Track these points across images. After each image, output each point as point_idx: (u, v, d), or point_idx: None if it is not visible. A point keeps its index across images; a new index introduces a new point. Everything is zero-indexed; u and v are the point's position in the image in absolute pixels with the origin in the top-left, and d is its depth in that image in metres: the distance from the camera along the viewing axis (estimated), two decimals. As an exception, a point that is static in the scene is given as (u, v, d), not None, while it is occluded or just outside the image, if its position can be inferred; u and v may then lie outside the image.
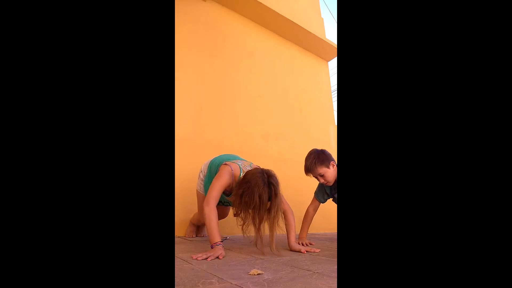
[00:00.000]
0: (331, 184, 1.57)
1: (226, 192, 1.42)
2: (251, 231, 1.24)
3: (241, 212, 1.21)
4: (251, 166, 1.42)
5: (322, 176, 1.53)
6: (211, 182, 1.36)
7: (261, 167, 1.29)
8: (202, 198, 1.61)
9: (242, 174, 1.31)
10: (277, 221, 1.21)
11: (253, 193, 1.15)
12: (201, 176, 1.63)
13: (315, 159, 1.52)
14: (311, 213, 1.71)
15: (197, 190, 1.68)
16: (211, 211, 1.19)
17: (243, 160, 1.50)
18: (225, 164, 1.37)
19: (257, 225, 1.21)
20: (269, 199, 1.19)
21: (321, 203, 1.71)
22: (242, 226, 1.22)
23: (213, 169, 1.49)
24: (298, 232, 1.71)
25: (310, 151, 1.60)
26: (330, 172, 1.53)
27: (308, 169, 1.54)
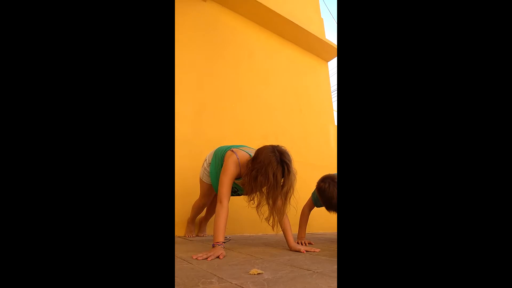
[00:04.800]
0: None
1: (236, 177, 1.40)
2: (264, 212, 1.25)
3: (254, 192, 1.23)
4: None
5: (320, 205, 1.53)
6: (216, 169, 1.39)
7: (273, 145, 1.27)
8: (204, 186, 1.63)
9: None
10: (290, 196, 1.22)
11: (267, 172, 1.16)
12: (205, 165, 1.62)
13: (333, 191, 1.42)
14: (307, 213, 1.71)
15: (200, 178, 1.68)
16: (222, 210, 1.20)
17: (251, 148, 1.48)
18: (231, 151, 1.36)
19: (271, 204, 1.22)
20: (283, 176, 1.19)
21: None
22: (257, 208, 1.23)
23: (219, 155, 1.48)
24: (296, 232, 1.72)
25: (321, 187, 1.46)
26: None
27: (333, 206, 1.46)
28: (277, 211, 1.22)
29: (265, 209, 1.26)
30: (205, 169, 1.62)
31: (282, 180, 1.21)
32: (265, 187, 1.20)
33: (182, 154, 1.91)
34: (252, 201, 1.26)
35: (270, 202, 1.21)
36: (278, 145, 1.26)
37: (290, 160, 1.22)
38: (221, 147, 1.56)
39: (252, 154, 1.33)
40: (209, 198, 1.66)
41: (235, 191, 1.57)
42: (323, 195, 1.49)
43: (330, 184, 1.47)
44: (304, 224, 1.69)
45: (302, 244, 1.50)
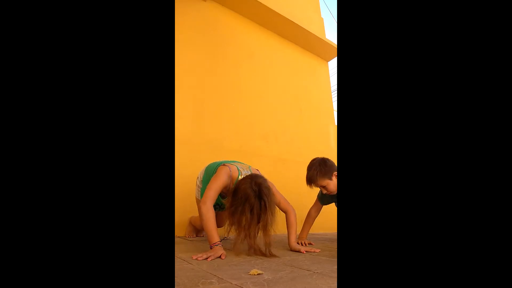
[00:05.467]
0: (333, 193, 1.55)
1: (223, 194, 1.41)
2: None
3: (233, 222, 1.20)
4: (250, 170, 1.41)
5: (324, 187, 1.51)
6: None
7: (252, 175, 1.25)
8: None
9: (240, 177, 1.30)
10: (270, 227, 1.18)
11: (244, 209, 1.14)
12: (198, 182, 1.61)
13: (316, 171, 1.48)
14: (313, 215, 1.70)
15: (196, 198, 1.66)
16: (208, 211, 1.18)
17: (242, 163, 1.48)
18: (224, 165, 1.36)
19: (251, 236, 1.18)
20: (260, 210, 1.16)
21: (322, 205, 1.71)
22: (237, 241, 1.20)
23: (210, 171, 1.47)
24: (298, 232, 1.72)
25: (312, 161, 1.55)
26: (333, 184, 1.49)
27: (310, 181, 1.52)
28: (253, 244, 1.18)
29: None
30: (198, 186, 1.60)
31: (259, 214, 1.17)
32: (244, 223, 1.18)
33: (182, 153, 1.91)
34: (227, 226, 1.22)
35: (250, 234, 1.17)
36: (257, 177, 1.21)
37: (267, 195, 1.17)
38: (212, 163, 1.55)
39: (242, 172, 1.33)
40: None
41: (220, 207, 1.54)
42: (308, 168, 1.55)
43: (316, 163, 1.53)
44: (307, 225, 1.69)
45: (302, 245, 1.50)
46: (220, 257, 1.04)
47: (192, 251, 1.19)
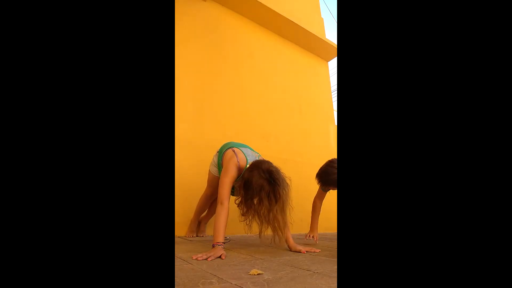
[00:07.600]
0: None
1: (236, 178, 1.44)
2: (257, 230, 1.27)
3: (247, 211, 1.26)
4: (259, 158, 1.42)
5: (328, 189, 1.62)
6: (219, 163, 1.47)
7: (256, 163, 1.28)
8: (212, 177, 1.68)
9: (248, 165, 1.33)
10: (287, 208, 1.23)
11: (262, 198, 1.20)
12: (215, 158, 1.68)
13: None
14: (318, 204, 1.72)
15: (209, 171, 1.72)
16: (223, 211, 1.23)
17: (253, 151, 1.49)
18: (233, 151, 1.38)
19: (272, 222, 1.23)
20: (275, 195, 1.21)
21: (325, 192, 1.73)
22: (260, 234, 1.26)
23: (222, 151, 1.54)
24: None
25: (321, 170, 1.58)
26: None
27: (328, 182, 1.55)
28: (280, 227, 1.23)
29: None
30: (214, 161, 1.68)
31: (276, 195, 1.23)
32: (258, 210, 1.24)
33: (182, 154, 1.91)
34: (247, 220, 1.29)
35: (271, 219, 1.23)
36: (262, 163, 1.27)
37: (279, 178, 1.23)
38: (225, 145, 1.59)
39: (250, 159, 1.36)
40: (214, 189, 1.66)
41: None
42: (325, 176, 1.56)
43: (325, 165, 1.58)
44: (316, 216, 1.71)
45: (312, 238, 1.54)
46: (220, 257, 1.04)
47: (192, 251, 1.19)
